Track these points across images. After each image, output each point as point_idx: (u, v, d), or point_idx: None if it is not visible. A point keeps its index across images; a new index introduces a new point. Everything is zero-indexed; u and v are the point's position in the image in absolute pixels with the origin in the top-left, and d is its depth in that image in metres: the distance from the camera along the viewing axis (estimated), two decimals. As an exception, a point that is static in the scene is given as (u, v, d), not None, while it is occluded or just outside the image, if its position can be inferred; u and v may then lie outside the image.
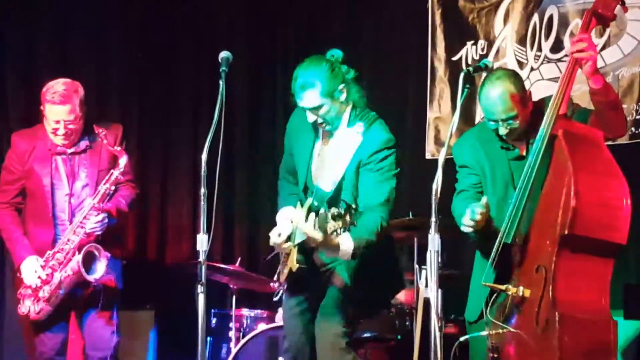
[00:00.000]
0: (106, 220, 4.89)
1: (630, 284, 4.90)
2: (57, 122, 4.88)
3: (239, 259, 6.06)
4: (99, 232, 4.88)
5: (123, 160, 4.91)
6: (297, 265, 4.19)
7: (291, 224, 4.18)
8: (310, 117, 4.20)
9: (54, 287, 4.83)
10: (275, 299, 4.78)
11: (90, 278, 4.84)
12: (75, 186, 4.96)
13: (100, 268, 4.85)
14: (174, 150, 7.06)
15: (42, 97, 4.91)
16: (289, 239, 4.18)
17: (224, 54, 4.10)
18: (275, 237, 4.23)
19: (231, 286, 6.05)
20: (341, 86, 4.16)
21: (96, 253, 4.85)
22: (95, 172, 4.97)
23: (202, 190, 3.88)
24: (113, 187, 4.93)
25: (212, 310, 6.13)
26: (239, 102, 7.01)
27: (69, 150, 4.97)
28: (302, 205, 4.29)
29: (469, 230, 3.99)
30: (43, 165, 4.94)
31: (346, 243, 3.92)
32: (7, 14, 6.31)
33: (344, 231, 3.72)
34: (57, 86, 4.89)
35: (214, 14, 7.24)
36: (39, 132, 5.00)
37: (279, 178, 4.63)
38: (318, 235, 3.83)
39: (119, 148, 4.94)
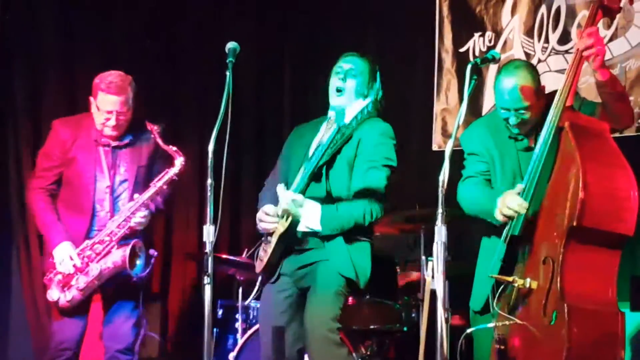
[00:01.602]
0: (150, 217, 4.89)
1: (637, 276, 4.90)
2: (110, 112, 4.85)
3: (246, 250, 6.06)
4: (141, 227, 4.87)
5: (179, 161, 4.89)
6: (289, 221, 4.19)
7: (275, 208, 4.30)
8: (341, 79, 4.37)
9: (93, 278, 4.80)
10: (251, 299, 4.83)
11: (132, 273, 4.83)
12: (115, 180, 4.94)
13: (140, 264, 4.85)
14: (180, 141, 7.04)
15: (94, 87, 4.88)
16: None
17: (230, 45, 4.10)
18: (262, 214, 4.33)
19: (237, 277, 6.05)
20: (375, 83, 4.44)
21: (137, 250, 4.85)
22: (135, 168, 4.96)
23: (209, 181, 3.88)
24: (165, 187, 4.90)
25: (219, 302, 6.13)
26: (246, 93, 7.01)
27: (113, 144, 4.94)
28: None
29: (503, 219, 3.98)
30: (87, 155, 4.91)
31: (310, 210, 4.17)
32: (12, 6, 6.31)
33: (367, 110, 4.11)
34: (112, 77, 4.88)
35: (221, 6, 7.23)
36: (84, 121, 4.97)
37: (262, 190, 4.62)
38: (287, 195, 4.15)
39: (174, 148, 4.91)
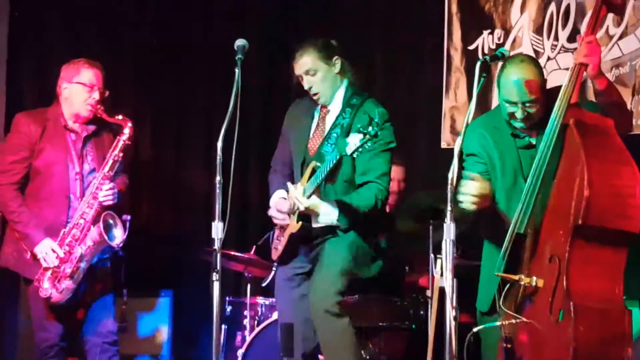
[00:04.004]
0: (116, 190, 4.92)
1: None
2: (93, 86, 4.92)
3: (254, 247, 6.06)
4: (111, 202, 4.90)
5: (128, 126, 4.95)
6: (300, 224, 4.42)
7: (286, 200, 4.52)
8: (306, 83, 4.54)
9: (76, 261, 4.81)
10: (265, 283, 5.00)
11: (113, 244, 4.86)
12: (84, 167, 4.96)
13: (118, 234, 4.88)
14: (188, 138, 7.07)
15: (69, 68, 4.97)
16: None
17: (239, 42, 4.12)
18: (275, 212, 4.57)
19: (246, 274, 6.06)
20: (336, 57, 4.55)
21: (111, 221, 4.87)
22: (101, 157, 4.98)
23: (217, 178, 3.89)
24: (121, 154, 4.94)
25: (227, 298, 6.14)
26: (254, 90, 7.00)
27: (79, 129, 4.97)
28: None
29: (466, 205, 3.97)
30: (57, 143, 4.93)
31: (327, 210, 4.37)
32: (20, 1, 6.32)
33: (367, 144, 4.03)
34: (85, 60, 4.99)
35: (229, 2, 7.23)
36: (49, 113, 5.01)
37: (270, 172, 4.81)
38: (303, 202, 4.33)
39: (120, 117, 4.96)
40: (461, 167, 4.17)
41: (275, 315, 5.62)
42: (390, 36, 6.84)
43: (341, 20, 7.06)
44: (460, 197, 3.96)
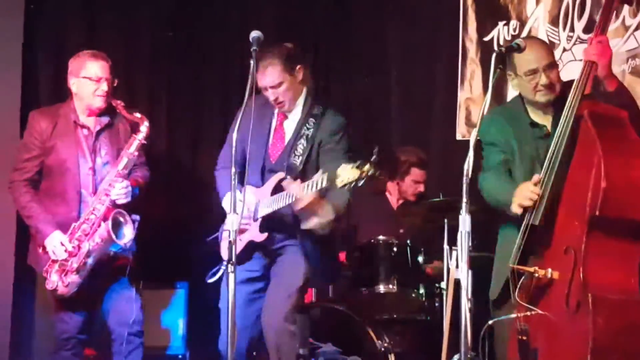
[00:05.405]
0: (130, 188, 4.91)
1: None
2: (99, 79, 4.92)
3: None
4: (124, 200, 4.89)
5: (145, 125, 4.94)
6: (265, 234, 4.43)
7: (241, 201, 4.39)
8: (271, 94, 4.49)
9: (83, 256, 4.82)
10: (212, 280, 4.99)
11: (120, 242, 4.85)
12: (96, 162, 4.96)
13: (128, 232, 4.87)
14: (203, 129, 7.07)
15: (75, 63, 4.98)
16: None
17: (254, 34, 4.12)
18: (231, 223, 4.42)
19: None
20: (298, 66, 4.53)
21: (121, 219, 4.86)
22: (115, 150, 4.98)
23: (232, 170, 3.89)
24: (136, 153, 4.93)
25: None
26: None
27: (91, 124, 4.97)
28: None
29: (519, 210, 3.97)
30: (67, 140, 4.93)
31: (328, 208, 4.34)
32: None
33: (360, 181, 3.93)
34: (90, 52, 5.00)
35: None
36: (61, 109, 5.01)
37: (216, 169, 4.77)
38: (307, 198, 4.24)
39: (138, 115, 4.96)
40: (480, 157, 4.18)
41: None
42: (405, 28, 6.83)
43: (356, 13, 7.05)
44: (513, 208, 3.99)
